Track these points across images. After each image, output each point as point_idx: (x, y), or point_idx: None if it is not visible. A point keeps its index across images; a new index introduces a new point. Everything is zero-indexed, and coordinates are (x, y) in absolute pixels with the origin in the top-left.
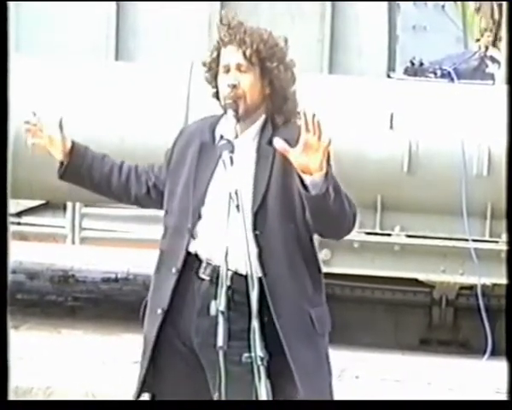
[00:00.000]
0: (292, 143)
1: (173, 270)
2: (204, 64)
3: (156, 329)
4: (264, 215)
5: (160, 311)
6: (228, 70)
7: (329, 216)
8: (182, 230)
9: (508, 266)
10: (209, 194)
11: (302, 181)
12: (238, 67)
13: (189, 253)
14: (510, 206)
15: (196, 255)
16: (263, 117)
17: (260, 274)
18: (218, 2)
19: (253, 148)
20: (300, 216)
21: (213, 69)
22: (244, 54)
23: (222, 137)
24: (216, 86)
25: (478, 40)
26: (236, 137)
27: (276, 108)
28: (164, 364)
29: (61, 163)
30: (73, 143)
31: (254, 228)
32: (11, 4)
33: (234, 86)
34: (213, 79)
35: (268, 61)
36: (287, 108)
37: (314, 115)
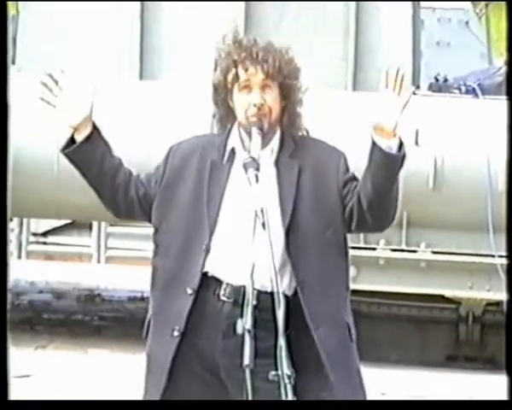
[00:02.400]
0: (311, 157)
1: (188, 290)
2: (214, 86)
3: (173, 351)
4: (297, 230)
5: (176, 333)
6: (248, 88)
7: (389, 193)
8: (193, 248)
9: (508, 281)
10: (223, 212)
11: (374, 143)
12: (262, 86)
13: (203, 273)
14: (510, 220)
15: (213, 276)
16: (278, 132)
17: (290, 291)
18: (242, 23)
19: (271, 162)
20: (339, 217)
21: (223, 91)
22: (267, 72)
23: (233, 150)
24: (225, 107)
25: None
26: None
27: (290, 123)
28: (182, 388)
29: (72, 136)
30: (94, 122)
31: (287, 245)
32: (39, 20)
33: (261, 105)
34: (225, 101)
35: (288, 78)
36: (298, 122)
37: (399, 70)
